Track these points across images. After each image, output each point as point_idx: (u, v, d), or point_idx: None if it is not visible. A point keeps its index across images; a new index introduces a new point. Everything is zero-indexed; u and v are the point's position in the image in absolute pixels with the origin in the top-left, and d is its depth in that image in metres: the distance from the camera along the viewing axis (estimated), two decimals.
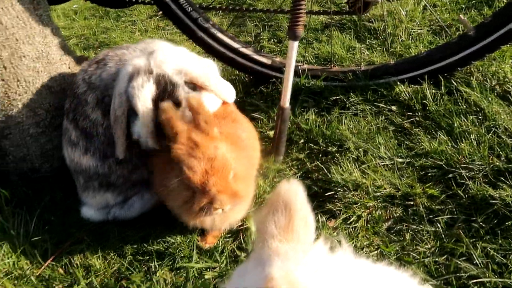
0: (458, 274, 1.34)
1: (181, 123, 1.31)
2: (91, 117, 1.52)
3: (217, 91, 1.53)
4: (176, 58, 1.49)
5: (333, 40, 2.56)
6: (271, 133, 2.01)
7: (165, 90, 1.42)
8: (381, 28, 2.62)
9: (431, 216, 1.56)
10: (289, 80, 1.79)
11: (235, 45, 2.24)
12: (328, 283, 0.94)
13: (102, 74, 1.52)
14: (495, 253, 1.37)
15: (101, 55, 1.59)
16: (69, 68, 1.82)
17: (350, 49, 2.52)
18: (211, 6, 2.43)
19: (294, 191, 0.99)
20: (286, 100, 1.83)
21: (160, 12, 3.68)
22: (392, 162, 1.78)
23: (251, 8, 2.32)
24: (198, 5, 2.16)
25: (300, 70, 2.23)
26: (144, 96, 1.39)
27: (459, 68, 2.03)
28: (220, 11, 3.27)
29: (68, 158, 1.61)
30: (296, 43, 1.74)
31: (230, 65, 2.31)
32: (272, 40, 2.83)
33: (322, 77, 2.22)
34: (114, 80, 1.48)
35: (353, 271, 1.04)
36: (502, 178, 1.59)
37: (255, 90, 2.34)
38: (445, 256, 1.43)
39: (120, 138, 1.46)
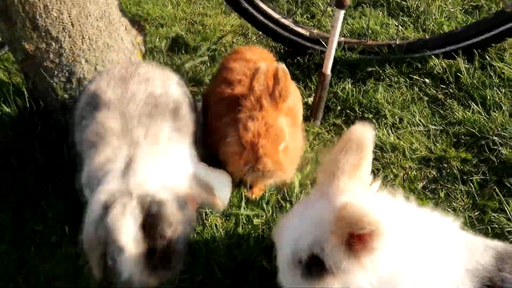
0: (491, 226, 1.46)
1: (258, 85, 1.42)
2: None
3: (215, 194, 1.35)
4: (158, 171, 1.24)
5: (366, 16, 2.64)
6: (310, 100, 2.12)
7: (151, 213, 1.14)
8: (414, 6, 2.69)
9: (464, 177, 1.67)
10: (332, 47, 1.89)
11: (276, 15, 2.33)
12: (391, 213, 1.07)
13: None
14: None
15: None
16: (125, 29, 1.94)
17: (384, 25, 2.60)
18: None
19: (366, 134, 1.11)
20: (328, 67, 1.94)
21: None
22: (427, 129, 1.89)
23: None
24: None
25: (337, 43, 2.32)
26: (127, 227, 1.11)
27: (493, 44, 2.11)
28: None
29: None
30: (342, 12, 1.83)
31: (270, 36, 2.41)
32: (305, 15, 2.92)
33: (358, 50, 2.32)
34: None
35: (406, 208, 1.17)
36: None
37: (292, 60, 2.44)
38: (478, 212, 1.54)
39: (95, 267, 1.19)
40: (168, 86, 1.54)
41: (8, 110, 1.99)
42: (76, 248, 1.64)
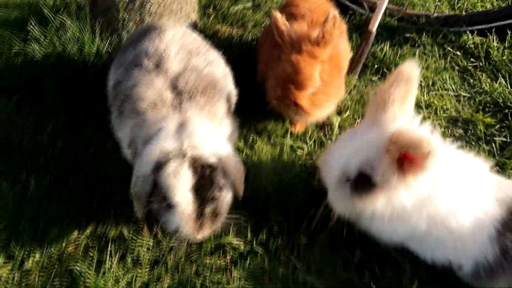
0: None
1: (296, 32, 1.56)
2: None
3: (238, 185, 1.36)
4: (210, 139, 1.31)
5: None
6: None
7: (203, 175, 1.21)
8: None
9: (488, 138, 1.86)
10: (382, 6, 2.02)
11: None
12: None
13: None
14: None
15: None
16: None
17: None
18: None
19: (414, 70, 1.27)
20: (375, 24, 2.07)
21: None
22: (457, 94, 2.07)
23: None
24: None
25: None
26: (182, 187, 1.18)
27: None
28: None
29: None
30: None
31: None
32: None
33: (397, 16, 2.46)
34: None
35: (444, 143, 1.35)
36: None
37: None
38: (497, 168, 1.74)
39: (140, 210, 1.31)
40: (227, 75, 1.63)
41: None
42: None
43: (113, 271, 1.43)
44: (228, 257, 1.47)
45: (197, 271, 1.45)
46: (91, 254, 1.49)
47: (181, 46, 1.49)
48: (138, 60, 1.44)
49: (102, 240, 1.54)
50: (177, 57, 1.44)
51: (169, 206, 1.20)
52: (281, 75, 1.57)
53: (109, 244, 1.51)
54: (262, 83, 1.80)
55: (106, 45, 2.08)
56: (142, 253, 1.49)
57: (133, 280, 1.43)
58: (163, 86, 1.36)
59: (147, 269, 1.45)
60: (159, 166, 1.20)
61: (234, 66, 1.71)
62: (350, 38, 2.41)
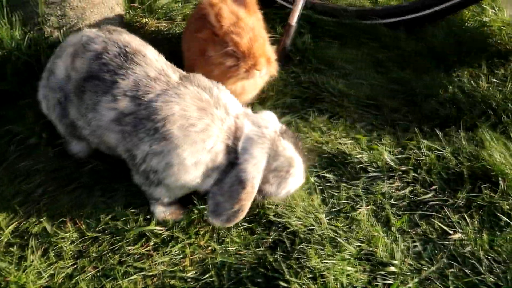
0: (409, 157, 1.85)
1: (221, 1, 1.65)
2: None
3: None
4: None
5: None
6: (273, 47, 2.37)
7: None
8: None
9: (394, 122, 2.06)
10: (301, 0, 2.15)
11: None
12: None
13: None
14: (437, 148, 1.89)
15: None
16: None
17: None
18: None
19: None
20: (294, 18, 2.20)
21: None
22: (369, 82, 2.25)
23: None
24: None
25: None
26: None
27: (432, 21, 2.51)
28: None
29: None
30: None
31: None
32: None
33: (318, 10, 2.60)
34: None
35: None
36: (447, 102, 2.11)
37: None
38: (400, 149, 1.93)
39: None
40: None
41: None
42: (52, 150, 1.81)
43: (34, 266, 1.46)
44: (151, 244, 1.54)
45: (121, 260, 1.51)
46: (12, 250, 1.50)
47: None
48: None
49: (24, 236, 1.56)
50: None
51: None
52: (241, 46, 1.64)
53: (31, 239, 1.53)
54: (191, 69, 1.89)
55: (26, 40, 2.05)
56: (65, 246, 1.52)
57: (56, 273, 1.46)
58: None
59: (70, 262, 1.49)
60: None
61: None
62: (275, 31, 2.53)
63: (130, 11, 2.41)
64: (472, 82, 2.22)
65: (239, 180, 1.40)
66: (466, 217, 1.65)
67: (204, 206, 1.62)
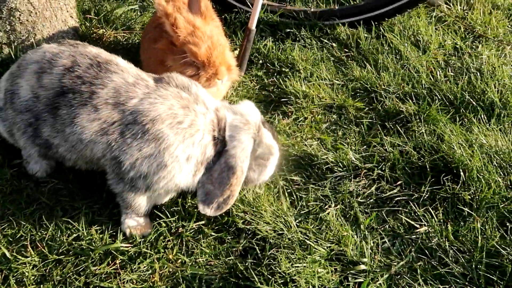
0: (373, 154, 1.88)
1: (176, 11, 1.63)
2: None
3: None
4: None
5: None
6: (235, 52, 2.37)
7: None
8: None
9: (357, 120, 2.08)
10: (258, 4, 2.15)
11: None
12: None
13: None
14: (400, 143, 1.93)
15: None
16: None
17: None
18: None
19: None
20: (253, 22, 2.19)
21: None
22: (332, 83, 2.27)
23: None
24: None
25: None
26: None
27: (386, 19, 2.56)
28: None
29: None
30: None
31: None
32: None
33: (278, 13, 2.61)
34: None
35: None
36: (408, 98, 2.16)
37: (219, 17, 2.64)
38: (365, 147, 1.96)
39: None
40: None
41: None
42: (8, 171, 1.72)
43: None
44: (118, 262, 1.50)
45: (87, 282, 1.45)
46: None
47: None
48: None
49: None
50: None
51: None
52: (200, 55, 1.63)
53: None
54: None
55: None
56: (27, 272, 1.45)
57: None
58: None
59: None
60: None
61: None
62: (236, 35, 2.52)
63: (85, 22, 2.35)
64: (430, 76, 2.28)
65: (228, 166, 1.44)
66: (431, 210, 1.68)
67: (172, 218, 1.59)
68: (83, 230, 1.56)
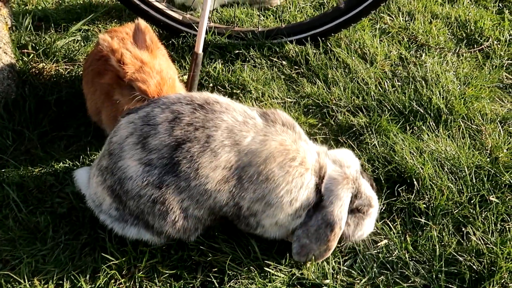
0: None
1: (123, 47, 1.57)
2: None
3: None
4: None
5: (234, 6, 2.94)
6: (185, 78, 2.32)
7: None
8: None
9: (311, 137, 2.07)
10: (203, 28, 2.12)
11: None
12: None
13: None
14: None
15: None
16: None
17: (248, 15, 2.94)
18: None
19: None
20: (199, 46, 2.16)
21: None
22: (284, 101, 2.26)
23: None
24: None
25: (207, 28, 2.57)
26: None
27: (332, 34, 2.60)
28: None
29: None
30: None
31: (143, 18, 2.52)
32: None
33: (226, 34, 2.60)
34: None
35: None
36: (359, 111, 2.18)
37: (166, 42, 2.60)
38: None
39: None
40: None
41: None
42: None
43: None
44: None
45: None
46: None
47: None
48: None
49: None
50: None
51: None
52: (150, 90, 1.56)
53: None
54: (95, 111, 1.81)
55: None
56: None
57: None
58: None
59: None
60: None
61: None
62: (184, 60, 2.48)
63: (23, 57, 2.24)
64: (379, 87, 2.32)
65: (326, 222, 1.41)
66: (389, 222, 1.68)
67: (123, 259, 1.50)
68: (25, 282, 1.44)
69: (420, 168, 1.79)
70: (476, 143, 1.99)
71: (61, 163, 1.89)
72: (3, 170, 1.84)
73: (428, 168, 1.80)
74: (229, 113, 1.41)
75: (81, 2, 3.00)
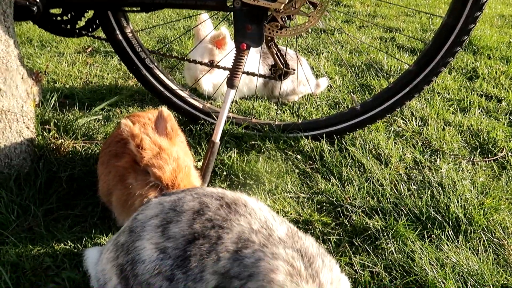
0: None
1: (142, 133, 1.58)
2: None
3: None
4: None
5: (252, 99, 3.06)
6: (199, 164, 2.32)
7: None
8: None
9: (324, 237, 1.99)
10: (222, 119, 2.17)
11: (173, 86, 2.58)
12: None
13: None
14: (369, 264, 1.82)
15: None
16: (22, 78, 1.95)
17: (266, 108, 3.04)
18: (157, 51, 2.75)
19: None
20: (217, 135, 2.19)
21: (89, 49, 3.87)
22: (297, 196, 2.22)
23: (191, 59, 2.72)
24: (147, 49, 2.48)
25: (226, 118, 2.64)
26: None
27: (348, 133, 2.65)
28: (162, 56, 3.60)
29: None
30: (232, 91, 2.16)
31: (165, 104, 2.62)
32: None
33: (243, 125, 2.66)
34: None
35: None
36: (374, 213, 2.12)
37: (184, 128, 2.65)
38: None
39: None
40: None
41: None
42: None
43: None
44: None
45: None
46: None
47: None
48: None
49: None
50: None
51: None
52: (164, 177, 1.54)
53: None
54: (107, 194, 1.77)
55: None
56: None
57: None
58: None
59: None
60: None
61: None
62: (200, 146, 2.51)
63: (43, 133, 2.28)
64: (394, 190, 2.28)
65: None
66: None
67: None
68: None
69: (442, 283, 1.67)
70: (499, 259, 1.89)
71: (62, 244, 1.81)
72: (1, 247, 1.75)
73: (451, 283, 1.67)
74: (247, 218, 1.32)
75: (107, 84, 3.14)
